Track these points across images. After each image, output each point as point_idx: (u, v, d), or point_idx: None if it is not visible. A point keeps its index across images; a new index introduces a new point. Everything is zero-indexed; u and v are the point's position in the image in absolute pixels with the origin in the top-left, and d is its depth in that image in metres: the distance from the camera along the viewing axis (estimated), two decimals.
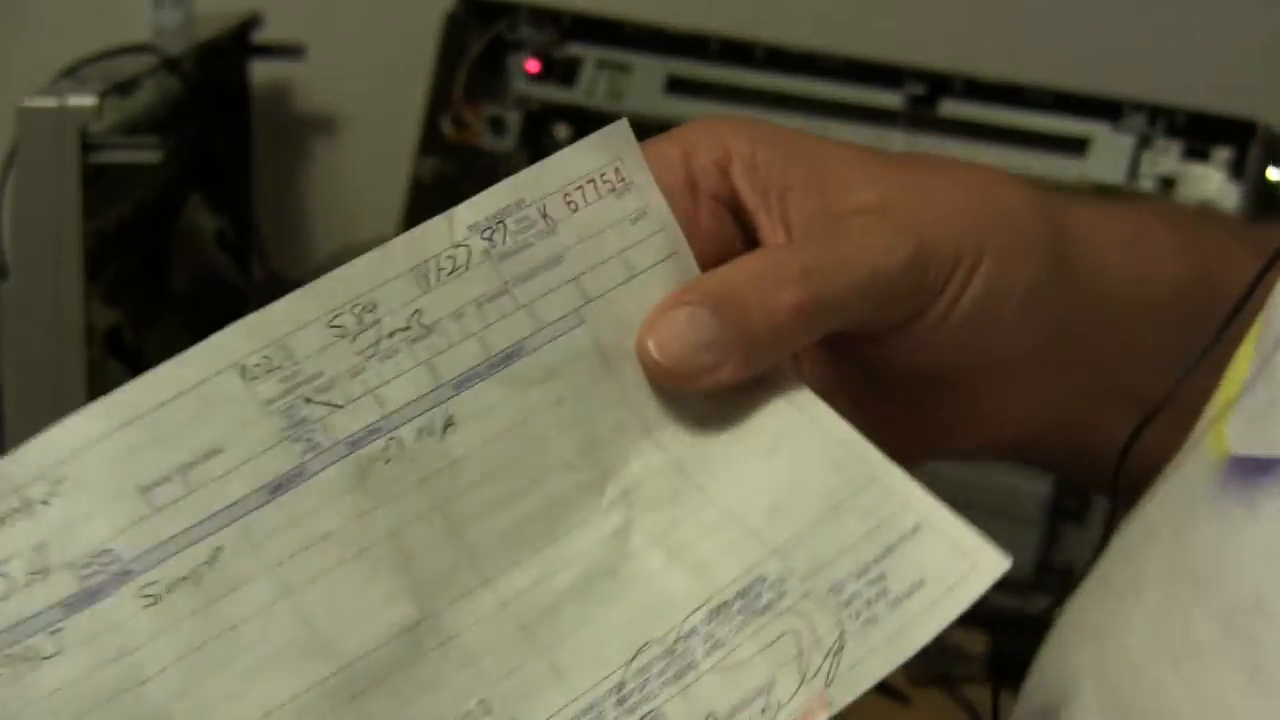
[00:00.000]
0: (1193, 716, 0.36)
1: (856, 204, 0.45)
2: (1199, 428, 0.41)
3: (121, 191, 0.99)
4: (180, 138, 1.06)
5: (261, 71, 1.19)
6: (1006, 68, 1.05)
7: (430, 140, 1.10)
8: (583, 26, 1.10)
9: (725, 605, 0.40)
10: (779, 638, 0.40)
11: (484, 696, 0.40)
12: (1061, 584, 0.96)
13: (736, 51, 1.07)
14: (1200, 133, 1.01)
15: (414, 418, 0.41)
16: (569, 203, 0.43)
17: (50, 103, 0.91)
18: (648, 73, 1.09)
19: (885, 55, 1.06)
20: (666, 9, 1.10)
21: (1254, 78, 1.09)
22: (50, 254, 0.91)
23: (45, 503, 0.38)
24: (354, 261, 0.41)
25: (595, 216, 0.43)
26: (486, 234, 0.42)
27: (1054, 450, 0.51)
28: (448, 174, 1.08)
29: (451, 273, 0.41)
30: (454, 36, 1.11)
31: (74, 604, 0.38)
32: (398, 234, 0.41)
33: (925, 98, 1.05)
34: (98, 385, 0.88)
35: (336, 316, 0.40)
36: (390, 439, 0.41)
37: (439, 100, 1.10)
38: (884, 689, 0.46)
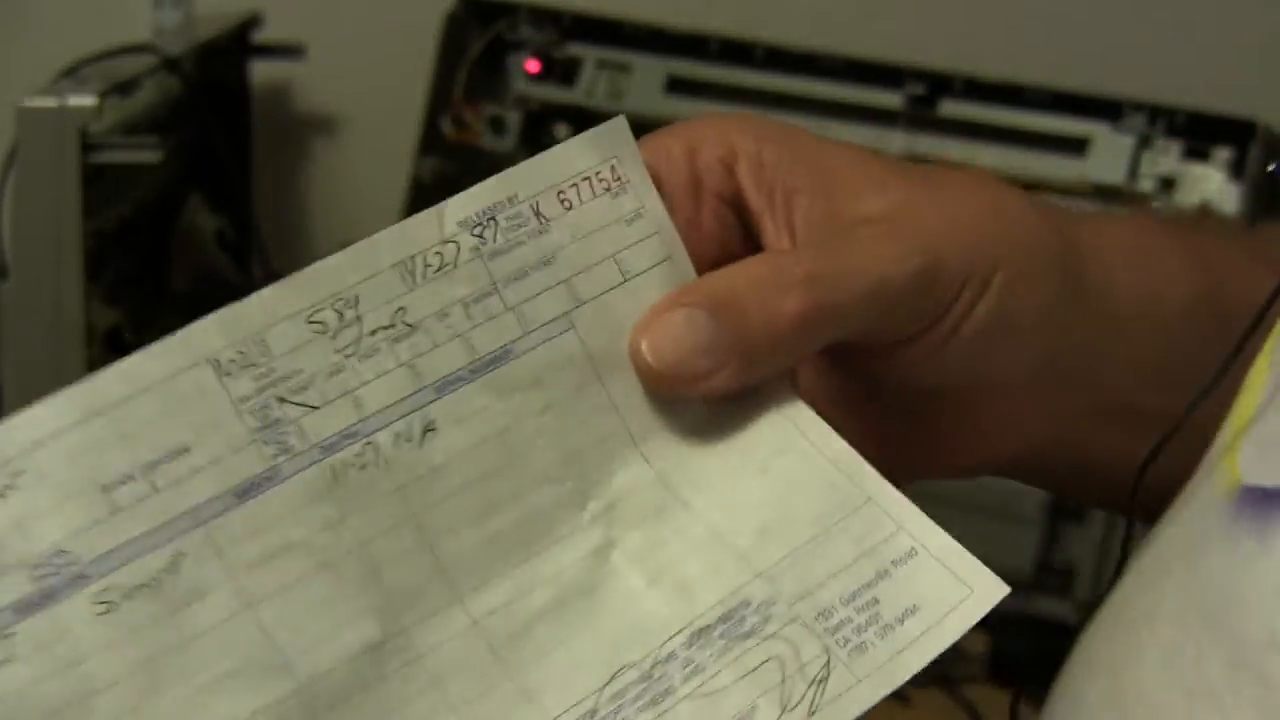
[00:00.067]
0: None
1: (865, 212, 0.43)
2: (1212, 455, 0.40)
3: (121, 191, 0.99)
4: (180, 138, 1.06)
5: (261, 71, 1.19)
6: (1006, 68, 1.05)
7: (430, 140, 1.10)
8: (583, 26, 1.10)
9: (706, 629, 0.39)
10: (761, 664, 0.38)
11: None
12: (1061, 584, 0.96)
13: (736, 51, 1.07)
14: (1200, 133, 1.01)
15: (392, 422, 0.39)
16: (562, 200, 0.41)
17: (50, 103, 0.91)
18: (648, 73, 1.09)
19: (885, 55, 1.06)
20: (666, 9, 1.10)
21: (1254, 78, 1.09)
22: (50, 254, 0.91)
23: (2, 496, 0.36)
24: (337, 254, 0.39)
25: (589, 216, 0.41)
26: (476, 230, 0.40)
27: (1055, 467, 0.49)
28: (448, 174, 1.08)
29: (439, 270, 0.40)
30: (454, 36, 1.11)
31: (27, 607, 0.35)
32: None
33: (925, 98, 1.04)
34: None
35: (316, 312, 0.38)
36: (366, 444, 0.39)
37: (439, 100, 1.10)
38: None
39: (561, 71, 1.10)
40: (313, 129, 1.25)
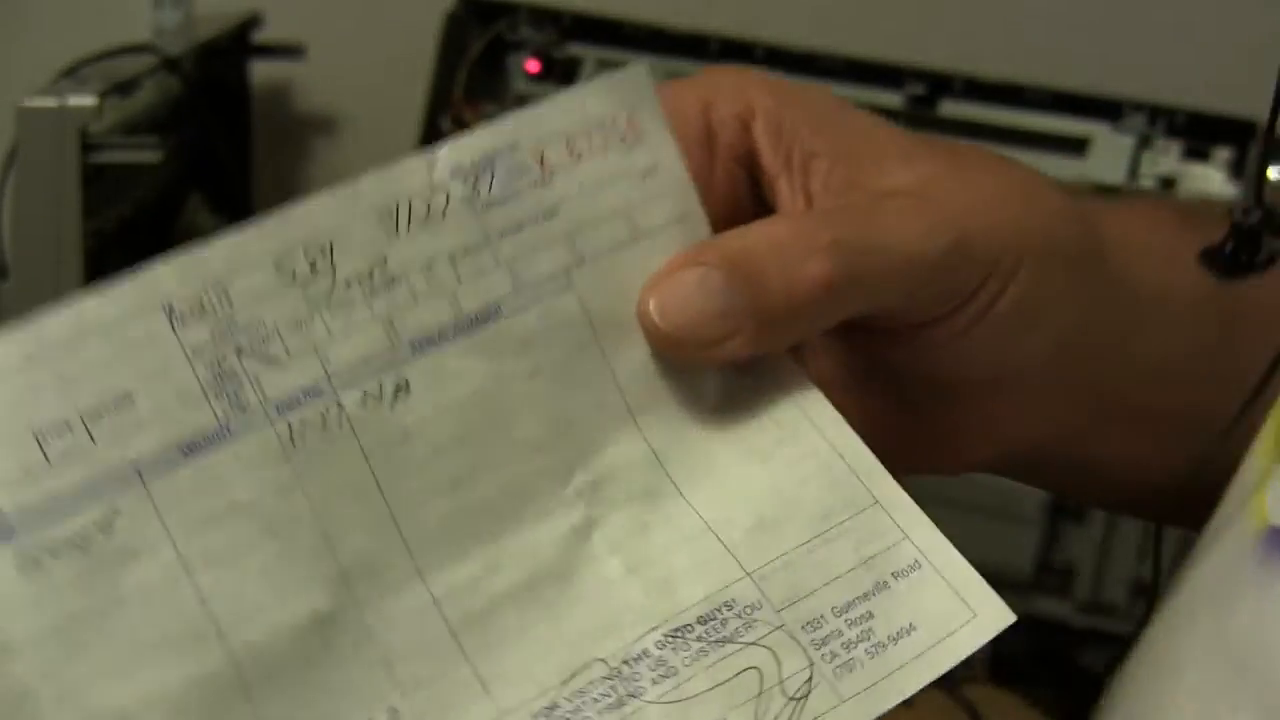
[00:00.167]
0: None
1: (887, 184, 0.41)
2: (1238, 492, 0.39)
3: (121, 191, 0.99)
4: (180, 138, 1.06)
5: (261, 71, 1.19)
6: (1006, 68, 1.05)
7: (430, 140, 1.09)
8: (583, 26, 1.10)
9: (684, 629, 0.36)
10: (739, 673, 0.36)
11: (395, 705, 0.35)
12: (1061, 584, 0.96)
13: (736, 51, 1.07)
14: (1200, 133, 1.01)
15: (361, 381, 0.36)
16: (571, 150, 0.38)
17: (50, 103, 0.91)
18: None
19: (885, 55, 1.06)
20: (666, 9, 1.09)
21: (1254, 78, 1.08)
22: (50, 254, 0.91)
23: None
24: (315, 196, 0.36)
25: (599, 168, 0.38)
26: (471, 179, 0.37)
27: (1053, 465, 0.48)
28: None
29: (426, 219, 0.36)
30: (454, 36, 1.11)
31: None
32: None
33: (925, 98, 1.04)
34: None
35: (286, 258, 0.35)
36: (330, 404, 0.36)
37: (439, 100, 1.10)
38: None
39: (561, 71, 1.10)
40: (313, 129, 1.25)
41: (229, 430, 0.35)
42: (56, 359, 0.34)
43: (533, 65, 1.10)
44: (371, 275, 0.36)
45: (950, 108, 1.04)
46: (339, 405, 0.36)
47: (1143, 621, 0.40)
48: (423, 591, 0.36)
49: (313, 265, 0.36)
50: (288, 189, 1.25)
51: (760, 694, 0.35)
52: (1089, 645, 0.95)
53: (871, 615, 0.36)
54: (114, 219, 0.98)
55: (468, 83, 1.10)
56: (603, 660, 0.36)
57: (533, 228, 0.38)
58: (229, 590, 0.35)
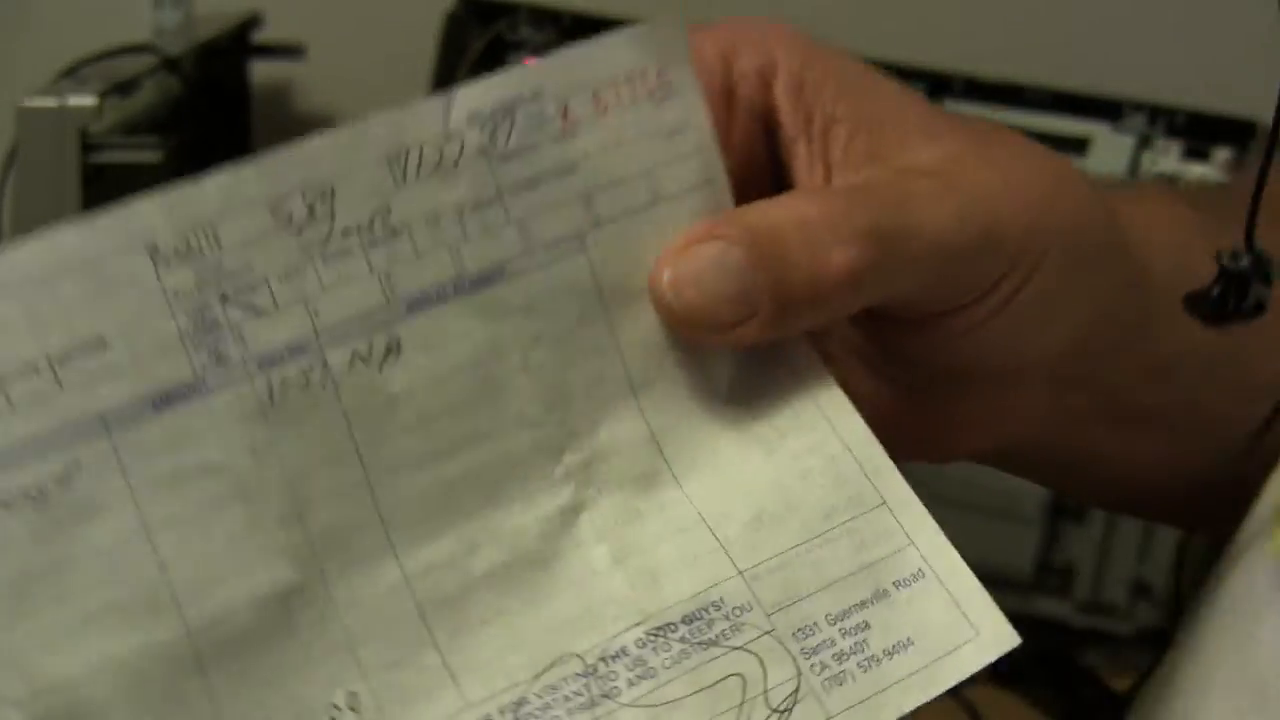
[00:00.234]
0: None
1: (911, 160, 0.39)
2: (1259, 515, 0.38)
3: (121, 191, 0.99)
4: (180, 138, 1.05)
5: (261, 71, 1.19)
6: (1006, 68, 1.05)
7: None
8: (583, 26, 1.10)
9: (668, 628, 0.34)
10: (721, 680, 0.34)
11: (355, 689, 0.33)
12: (1061, 584, 0.96)
13: None
14: (1200, 133, 1.01)
15: (350, 339, 0.34)
16: (597, 102, 0.35)
17: (50, 103, 0.90)
18: None
19: (885, 55, 1.06)
20: (667, 10, 1.09)
21: (1254, 78, 1.08)
22: None
23: None
24: (318, 136, 0.34)
25: (625, 124, 0.36)
26: (488, 127, 0.34)
27: (1052, 459, 0.47)
28: None
29: (436, 167, 0.34)
30: (454, 36, 1.10)
31: None
32: None
33: (925, 97, 1.04)
34: None
35: (283, 201, 0.33)
36: (315, 361, 0.33)
37: None
38: None
39: None
40: (313, 129, 1.25)
41: (205, 384, 0.33)
42: (28, 294, 0.32)
43: None
44: (372, 225, 0.34)
45: (950, 107, 1.04)
46: (324, 364, 0.34)
47: (1165, 640, 0.40)
48: (394, 569, 0.34)
49: (311, 210, 0.34)
50: None
51: (742, 703, 0.34)
52: (1089, 645, 0.95)
53: (867, 625, 0.35)
54: None
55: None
56: (579, 656, 0.34)
57: (549, 184, 0.35)
58: (190, 556, 0.32)
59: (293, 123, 1.25)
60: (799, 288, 0.36)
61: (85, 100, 0.91)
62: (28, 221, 0.92)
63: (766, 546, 0.35)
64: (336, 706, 0.33)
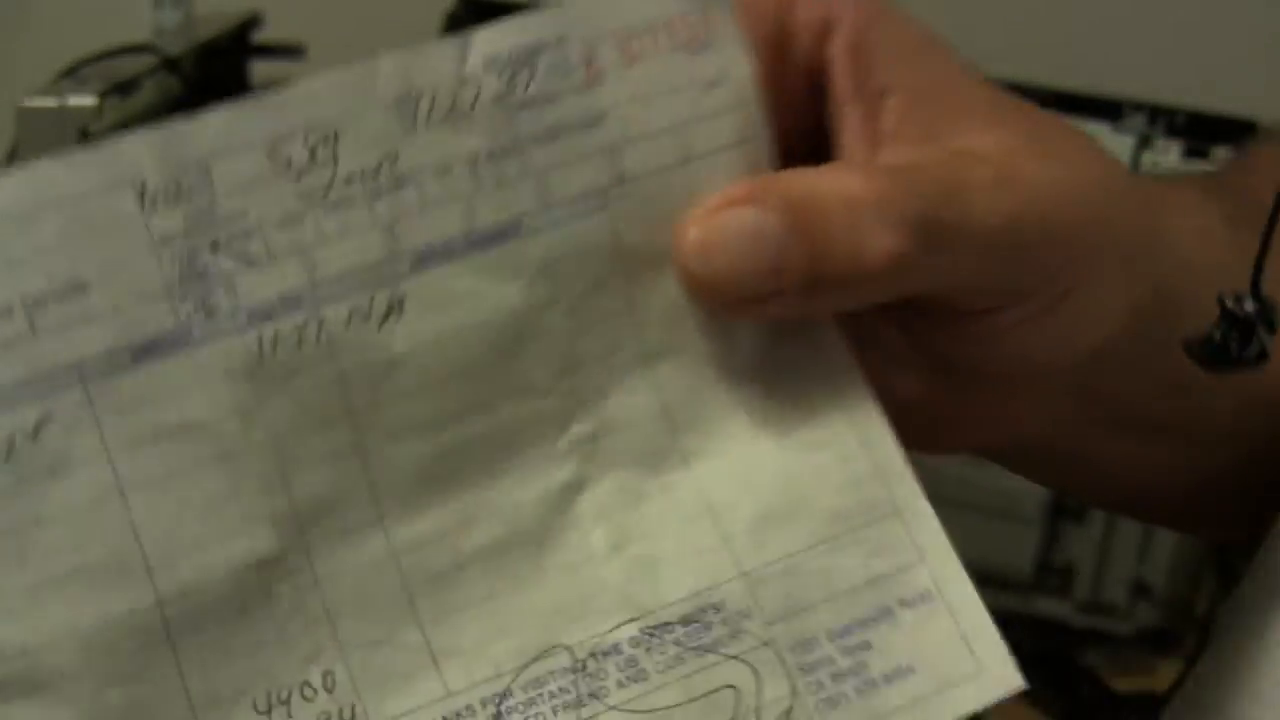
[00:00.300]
0: None
1: (971, 144, 0.36)
2: None
3: None
4: None
5: (261, 71, 1.19)
6: (1006, 68, 1.05)
7: None
8: None
9: (664, 628, 0.32)
10: (714, 691, 0.32)
11: (331, 668, 0.31)
12: (1061, 584, 0.96)
13: None
14: (1200, 133, 1.01)
15: (350, 295, 0.31)
16: (626, 50, 0.33)
17: (50, 103, 0.91)
18: None
19: None
20: None
21: (1254, 78, 1.08)
22: None
23: None
24: (323, 76, 0.31)
25: (657, 74, 0.33)
26: (506, 73, 0.32)
27: (1056, 460, 0.45)
28: None
29: (449, 114, 0.32)
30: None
31: None
32: None
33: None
34: None
35: (283, 142, 0.31)
36: (310, 316, 0.31)
37: None
38: None
39: None
40: None
41: (190, 336, 0.31)
42: (3, 232, 0.29)
43: None
44: (378, 172, 0.31)
45: None
46: (320, 320, 0.31)
47: (1166, 641, 0.40)
48: (381, 541, 0.32)
49: (312, 153, 0.31)
50: None
51: (733, 718, 0.32)
52: (1089, 645, 0.95)
53: (869, 646, 0.33)
54: None
55: None
56: (568, 649, 0.32)
57: (571, 136, 0.33)
58: (165, 520, 0.30)
59: None
60: (836, 269, 0.33)
61: (85, 100, 0.91)
62: None
63: (772, 547, 0.33)
64: (310, 685, 0.31)
